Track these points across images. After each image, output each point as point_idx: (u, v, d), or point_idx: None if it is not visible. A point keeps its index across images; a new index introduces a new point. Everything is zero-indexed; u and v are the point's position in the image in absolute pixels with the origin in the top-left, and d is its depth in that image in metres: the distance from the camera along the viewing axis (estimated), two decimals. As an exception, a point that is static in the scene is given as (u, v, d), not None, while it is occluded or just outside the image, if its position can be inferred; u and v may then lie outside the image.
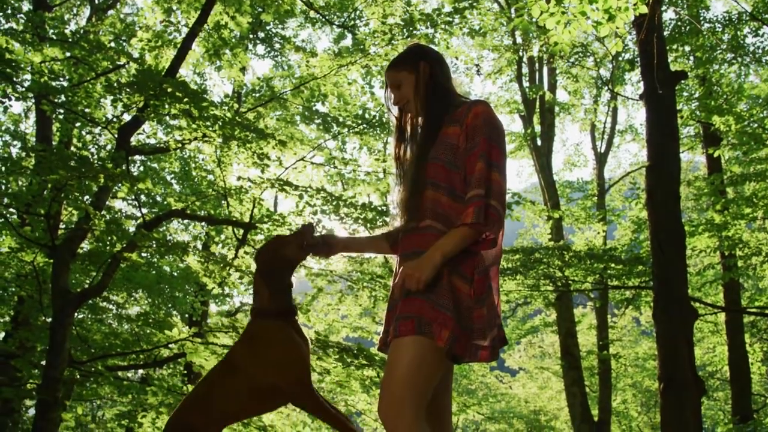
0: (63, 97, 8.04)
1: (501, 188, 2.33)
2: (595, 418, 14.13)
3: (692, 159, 19.47)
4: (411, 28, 9.78)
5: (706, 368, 16.65)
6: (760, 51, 11.87)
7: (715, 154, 11.56)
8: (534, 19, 6.35)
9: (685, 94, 12.61)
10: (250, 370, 2.57)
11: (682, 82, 9.72)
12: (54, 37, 8.42)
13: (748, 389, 12.01)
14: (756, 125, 10.81)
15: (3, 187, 7.97)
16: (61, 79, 8.09)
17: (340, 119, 11.19)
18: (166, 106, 6.77)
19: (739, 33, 11.63)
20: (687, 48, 12.13)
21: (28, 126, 13.11)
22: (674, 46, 11.71)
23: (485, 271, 2.35)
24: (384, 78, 2.68)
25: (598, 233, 15.67)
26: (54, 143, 10.11)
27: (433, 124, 2.48)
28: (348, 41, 14.37)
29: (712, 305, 12.19)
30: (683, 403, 6.44)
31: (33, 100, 9.63)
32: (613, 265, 10.62)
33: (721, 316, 13.23)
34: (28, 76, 7.59)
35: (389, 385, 2.21)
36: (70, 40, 8.08)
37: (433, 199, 2.39)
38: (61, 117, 9.73)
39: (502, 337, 2.40)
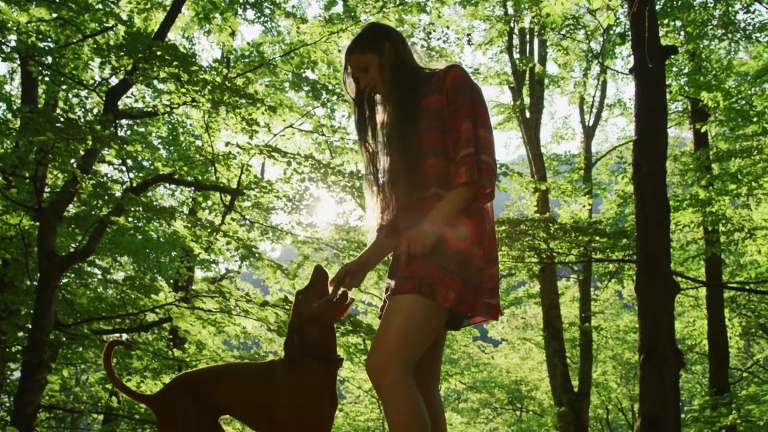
0: (50, 59, 7.95)
1: (489, 143, 2.38)
2: (576, 389, 14.32)
3: (679, 134, 19.61)
4: (402, -5, 9.71)
5: (685, 341, 16.88)
6: (751, 27, 11.88)
7: (702, 130, 11.62)
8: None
9: (674, 69, 12.62)
10: (275, 399, 2.53)
11: (672, 57, 9.73)
12: (41, -4, 8.29)
13: (726, 363, 12.21)
14: (744, 102, 10.87)
15: (-12, 149, 7.90)
16: (48, 40, 7.98)
17: (330, 87, 11.13)
18: (155, 70, 6.71)
19: (730, 9, 11.62)
20: (678, 23, 12.11)
21: (14, 87, 12.96)
22: (665, 21, 11.68)
23: (492, 232, 2.42)
24: (344, 62, 2.62)
25: (584, 206, 15.76)
26: (40, 105, 10.00)
27: (411, 99, 2.50)
28: (339, 8, 14.25)
29: (693, 279, 12.33)
30: (662, 375, 6.54)
31: (18, 61, 9.51)
32: (597, 238, 10.69)
33: (702, 291, 13.40)
34: (14, 37, 7.48)
35: (380, 340, 2.24)
36: (57, 0, 7.96)
37: (434, 167, 2.43)
38: (47, 79, 9.62)
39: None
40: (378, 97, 2.65)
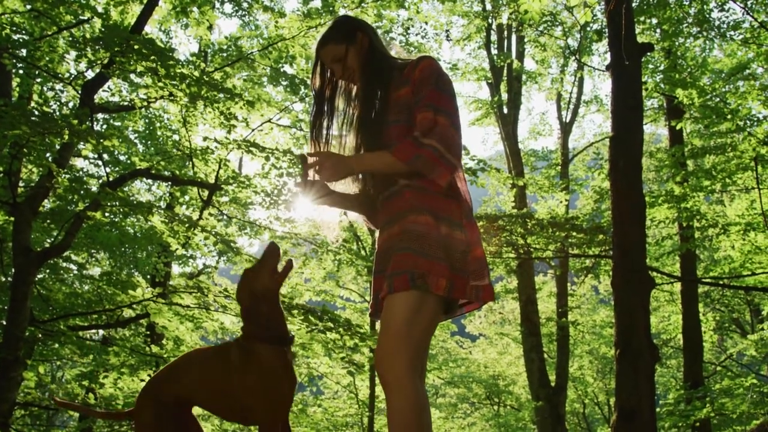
0: (24, 52, 7.84)
1: (447, 131, 2.34)
2: (553, 384, 14.44)
3: (655, 131, 19.78)
4: (381, -9, 9.71)
5: (660, 336, 17.08)
6: (725, 26, 12.02)
7: (678, 127, 11.73)
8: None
9: (650, 66, 12.73)
10: (234, 388, 2.55)
11: (648, 54, 9.82)
12: (15, -12, 8.18)
13: (700, 357, 12.37)
14: (718, 99, 10.98)
15: (-39, 143, 7.77)
16: (23, 32, 7.87)
17: (308, 81, 11.09)
18: (133, 64, 6.65)
19: (705, 7, 11.74)
20: (654, 20, 12.21)
21: (-13, 80, 12.76)
22: (642, 18, 11.79)
23: (471, 216, 2.41)
24: (315, 55, 2.62)
25: (561, 202, 15.86)
26: (14, 99, 9.87)
27: (381, 91, 2.50)
28: (317, 2, 14.20)
29: (668, 275, 12.47)
30: (637, 369, 6.62)
31: (-8, 54, 9.38)
32: (574, 233, 10.77)
33: (677, 286, 13.56)
34: (-13, 29, 7.37)
35: (383, 339, 2.25)
36: (31, -9, 7.86)
37: None
38: (21, 72, 9.49)
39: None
40: (341, 92, 2.65)
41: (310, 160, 2.47)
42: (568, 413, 21.64)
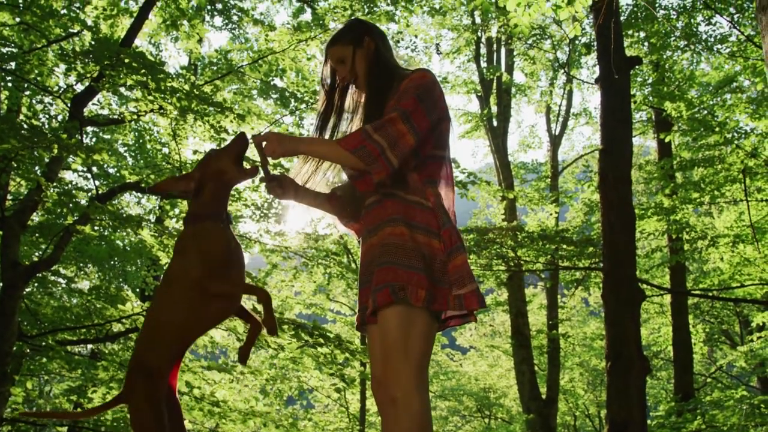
0: (13, 65, 7.82)
1: (401, 137, 2.29)
2: (543, 396, 14.41)
3: (644, 144, 19.86)
4: (371, 4, 9.75)
5: (651, 348, 17.10)
6: (712, 39, 12.11)
7: (666, 140, 11.80)
8: (494, 0, 6.39)
9: (638, 79, 12.83)
10: (182, 272, 2.47)
11: (637, 67, 9.89)
12: (4, 1, 8.16)
13: (690, 368, 12.39)
14: (706, 112, 11.06)
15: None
16: (12, 45, 7.86)
17: (298, 95, 11.11)
18: (123, 77, 6.64)
19: (692, 21, 11.85)
20: (642, 34, 12.31)
21: (-25, 93, 12.71)
22: (630, 32, 11.89)
23: (450, 223, 2.36)
24: (324, 54, 2.62)
25: (551, 214, 15.89)
26: (2, 112, 9.83)
27: (378, 98, 2.48)
28: (307, 16, 14.24)
29: (658, 287, 12.49)
30: (628, 381, 6.63)
31: (-19, 67, 9.35)
32: (564, 246, 10.79)
33: (667, 298, 13.57)
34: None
35: (384, 359, 2.24)
36: (20, 4, 7.85)
37: None
38: (10, 85, 9.45)
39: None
40: (350, 95, 2.64)
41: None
42: (559, 426, 21.61)
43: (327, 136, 2.62)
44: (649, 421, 9.98)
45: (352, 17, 9.38)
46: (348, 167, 2.42)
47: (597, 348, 19.19)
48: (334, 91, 2.63)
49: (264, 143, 2.38)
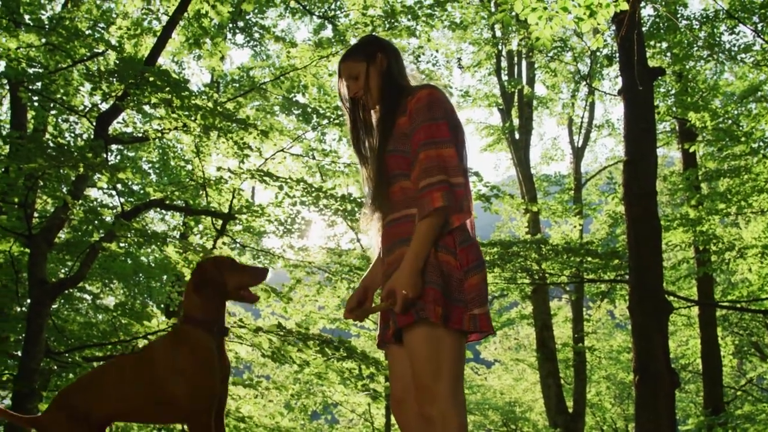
0: (40, 85, 7.94)
1: (453, 162, 2.31)
2: (570, 410, 14.27)
3: (667, 154, 19.71)
4: (392, 20, 9.78)
5: (679, 361, 16.87)
6: (736, 49, 12.01)
7: (691, 150, 11.70)
8: (515, 14, 6.38)
9: (661, 90, 12.73)
10: (161, 372, 2.47)
11: (660, 78, 9.82)
12: (30, 23, 8.31)
13: (720, 382, 12.21)
14: (731, 122, 10.96)
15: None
16: (38, 66, 7.98)
17: (320, 110, 11.17)
18: (147, 95, 6.71)
19: (715, 30, 11.76)
20: (664, 44, 12.23)
21: (2, 113, 12.93)
22: (652, 42, 11.82)
23: (469, 241, 2.35)
24: (338, 69, 2.62)
25: (575, 227, 15.80)
26: (29, 131, 9.98)
27: (387, 117, 2.48)
28: (328, 32, 14.32)
29: (685, 299, 12.35)
30: (657, 396, 6.54)
31: (8, 87, 9.50)
32: (589, 258, 10.71)
33: (695, 310, 13.43)
34: (3, 62, 7.49)
35: (417, 378, 2.23)
36: (46, 25, 7.98)
37: (402, 189, 2.40)
38: (36, 104, 9.59)
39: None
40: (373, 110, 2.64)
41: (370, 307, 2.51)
42: (586, 440, 21.36)
43: (366, 154, 2.61)
44: (678, 436, 9.84)
45: (372, 33, 9.42)
46: (442, 223, 2.32)
47: (624, 361, 18.97)
48: (356, 107, 2.62)
49: (391, 302, 2.28)
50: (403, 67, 2.61)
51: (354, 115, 2.63)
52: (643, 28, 9.68)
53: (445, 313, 2.21)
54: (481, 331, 2.30)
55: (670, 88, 12.80)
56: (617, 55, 8.07)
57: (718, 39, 11.97)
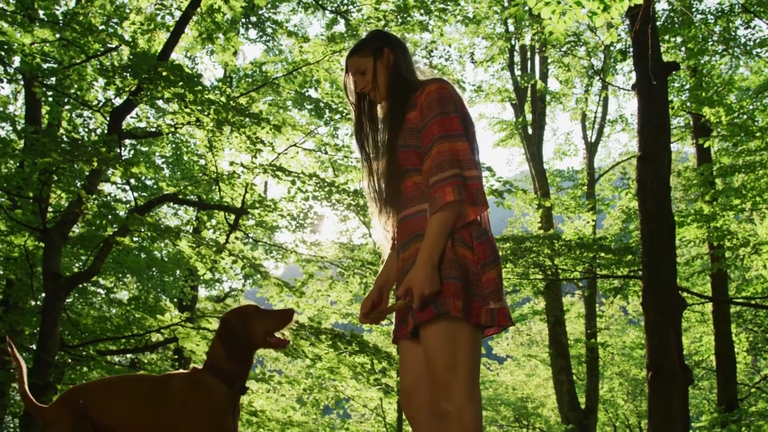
0: (54, 80, 7.98)
1: (467, 155, 2.32)
2: (582, 406, 14.24)
3: (681, 149, 19.57)
4: (405, 15, 9.76)
5: (692, 357, 16.79)
6: (751, 43, 11.92)
7: (705, 145, 11.61)
8: (528, 8, 6.35)
9: (676, 84, 12.65)
10: (171, 409, 2.44)
11: (674, 73, 9.76)
12: (44, 18, 8.34)
13: (734, 378, 12.13)
14: (746, 117, 10.87)
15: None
16: (52, 61, 8.02)
17: (333, 105, 11.17)
18: (160, 90, 6.73)
19: (730, 25, 11.67)
20: (679, 39, 12.15)
21: (17, 108, 13.01)
22: (666, 37, 11.73)
23: (485, 235, 2.35)
24: (345, 64, 2.61)
25: (588, 222, 15.73)
26: (43, 126, 10.04)
27: (396, 112, 2.47)
28: (341, 27, 14.33)
29: (699, 295, 12.28)
30: (670, 392, 6.51)
31: (23, 82, 9.56)
32: (602, 254, 10.66)
33: (709, 306, 13.33)
34: (18, 58, 7.51)
35: (433, 375, 2.24)
36: (60, 21, 8.01)
37: (415, 184, 2.41)
38: (51, 99, 9.64)
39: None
40: (380, 105, 2.62)
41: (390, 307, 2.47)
42: (599, 436, 21.31)
43: (368, 150, 2.60)
44: (691, 432, 9.79)
45: (385, 27, 9.41)
46: (454, 217, 2.32)
47: (637, 357, 18.90)
48: (362, 101, 2.62)
49: (409, 300, 2.28)
50: (411, 62, 2.60)
51: (359, 111, 2.62)
52: (658, 23, 9.63)
53: (465, 307, 2.22)
54: (499, 325, 2.30)
55: (684, 83, 12.71)
56: (631, 49, 8.02)
57: (733, 33, 11.89)
